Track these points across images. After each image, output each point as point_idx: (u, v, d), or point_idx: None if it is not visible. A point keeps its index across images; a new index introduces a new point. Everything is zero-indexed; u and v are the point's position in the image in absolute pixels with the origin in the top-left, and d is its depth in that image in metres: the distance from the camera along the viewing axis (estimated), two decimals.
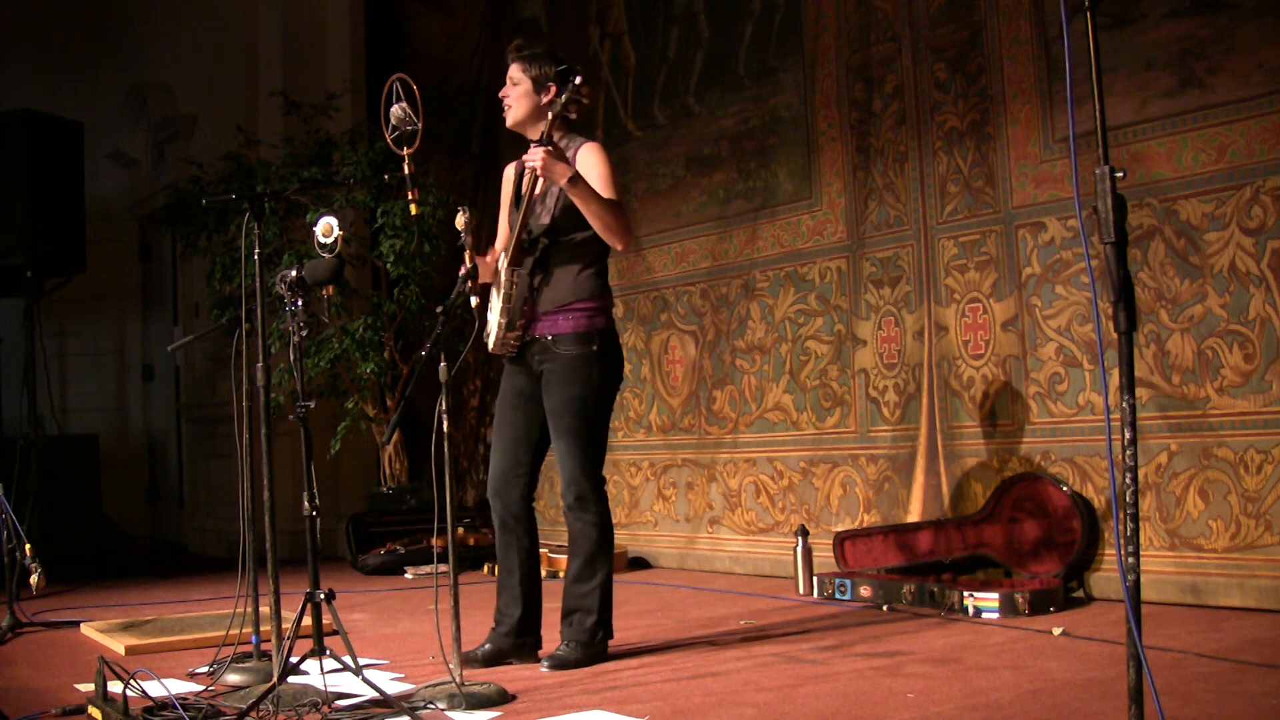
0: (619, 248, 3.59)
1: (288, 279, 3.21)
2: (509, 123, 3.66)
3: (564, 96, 3.39)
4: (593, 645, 3.54)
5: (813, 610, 4.46)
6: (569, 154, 3.58)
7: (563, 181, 3.43)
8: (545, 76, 3.59)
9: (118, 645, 4.03)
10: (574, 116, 3.55)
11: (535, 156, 3.41)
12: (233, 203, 3.66)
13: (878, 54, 5.22)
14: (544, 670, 3.44)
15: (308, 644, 3.07)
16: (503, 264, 3.57)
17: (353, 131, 6.98)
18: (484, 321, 3.70)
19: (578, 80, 3.37)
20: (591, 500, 3.59)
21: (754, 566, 5.59)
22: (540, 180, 3.54)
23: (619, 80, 6.47)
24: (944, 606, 4.23)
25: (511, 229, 3.64)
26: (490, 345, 3.64)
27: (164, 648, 4.02)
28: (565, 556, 3.97)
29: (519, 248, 3.56)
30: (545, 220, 3.57)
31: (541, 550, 6.09)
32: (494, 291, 3.66)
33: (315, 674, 3.00)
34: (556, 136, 3.60)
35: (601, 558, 3.60)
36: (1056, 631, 3.71)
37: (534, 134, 3.59)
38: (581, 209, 3.48)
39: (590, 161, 3.56)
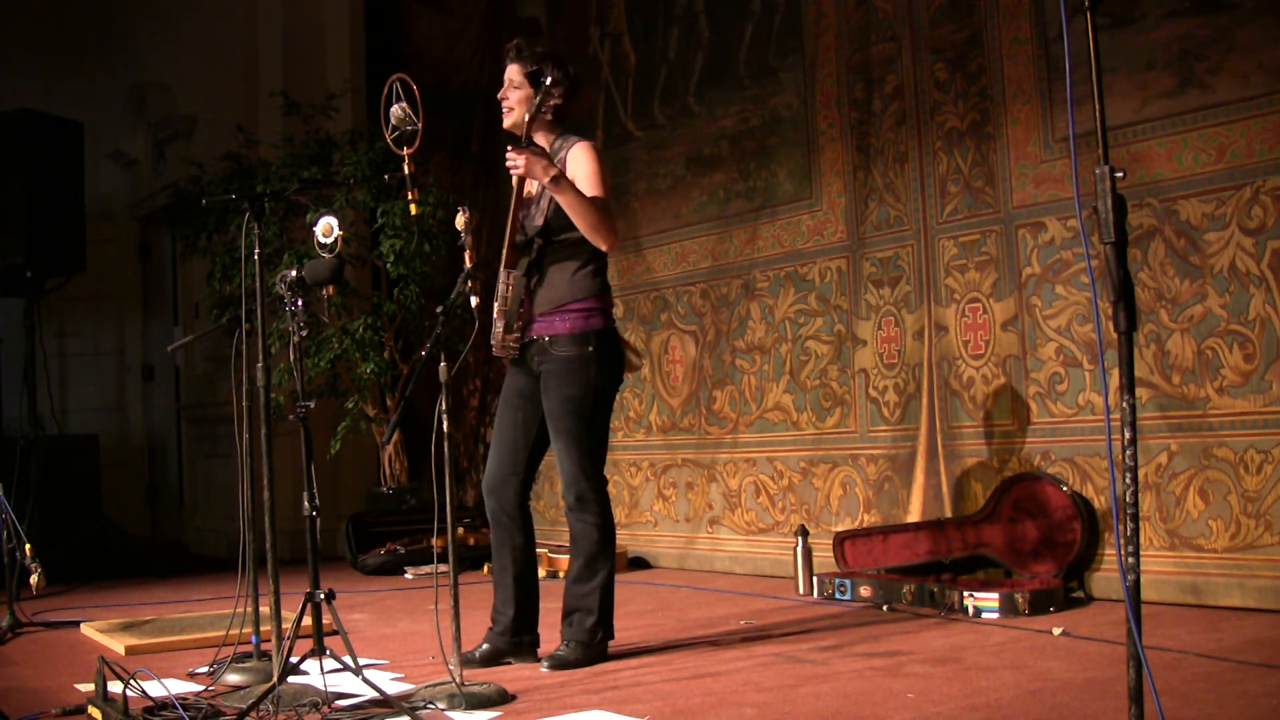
0: (604, 248, 3.57)
1: (288, 279, 3.21)
2: (507, 124, 3.64)
3: (537, 98, 3.39)
4: (592, 646, 3.54)
5: (813, 610, 4.46)
6: (562, 154, 3.59)
7: (545, 180, 3.43)
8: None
9: (118, 645, 4.03)
10: (549, 117, 3.54)
11: (515, 159, 3.42)
12: (233, 203, 3.66)
13: (878, 54, 5.22)
14: (544, 670, 3.44)
15: (308, 644, 3.07)
16: (501, 269, 3.58)
17: (353, 131, 6.98)
18: (485, 323, 3.71)
19: (548, 81, 3.39)
20: (592, 501, 3.58)
21: (754, 566, 5.59)
22: (530, 182, 3.55)
23: (619, 80, 6.47)
24: (944, 606, 4.23)
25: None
26: (495, 348, 3.65)
27: (164, 648, 4.02)
28: (565, 556, 3.97)
29: (513, 250, 3.56)
30: (539, 221, 3.58)
31: (541, 550, 6.13)
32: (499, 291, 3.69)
33: (315, 674, 3.00)
34: (552, 137, 3.64)
35: (602, 558, 3.60)
36: (1056, 631, 3.71)
37: (538, 138, 3.61)
38: (565, 208, 3.47)
39: (579, 159, 3.56)
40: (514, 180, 3.55)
